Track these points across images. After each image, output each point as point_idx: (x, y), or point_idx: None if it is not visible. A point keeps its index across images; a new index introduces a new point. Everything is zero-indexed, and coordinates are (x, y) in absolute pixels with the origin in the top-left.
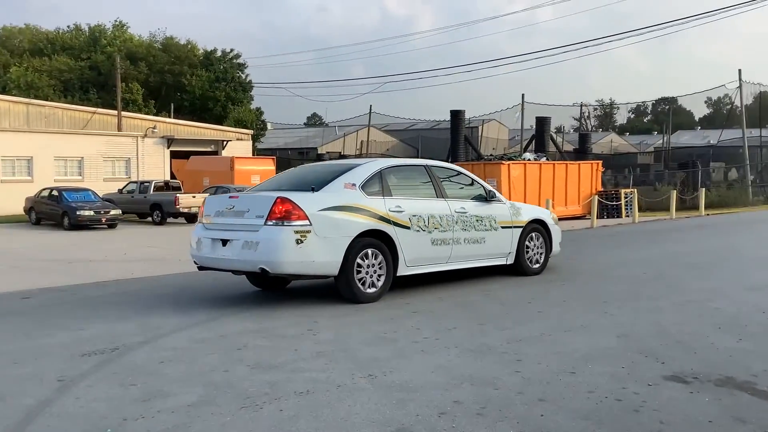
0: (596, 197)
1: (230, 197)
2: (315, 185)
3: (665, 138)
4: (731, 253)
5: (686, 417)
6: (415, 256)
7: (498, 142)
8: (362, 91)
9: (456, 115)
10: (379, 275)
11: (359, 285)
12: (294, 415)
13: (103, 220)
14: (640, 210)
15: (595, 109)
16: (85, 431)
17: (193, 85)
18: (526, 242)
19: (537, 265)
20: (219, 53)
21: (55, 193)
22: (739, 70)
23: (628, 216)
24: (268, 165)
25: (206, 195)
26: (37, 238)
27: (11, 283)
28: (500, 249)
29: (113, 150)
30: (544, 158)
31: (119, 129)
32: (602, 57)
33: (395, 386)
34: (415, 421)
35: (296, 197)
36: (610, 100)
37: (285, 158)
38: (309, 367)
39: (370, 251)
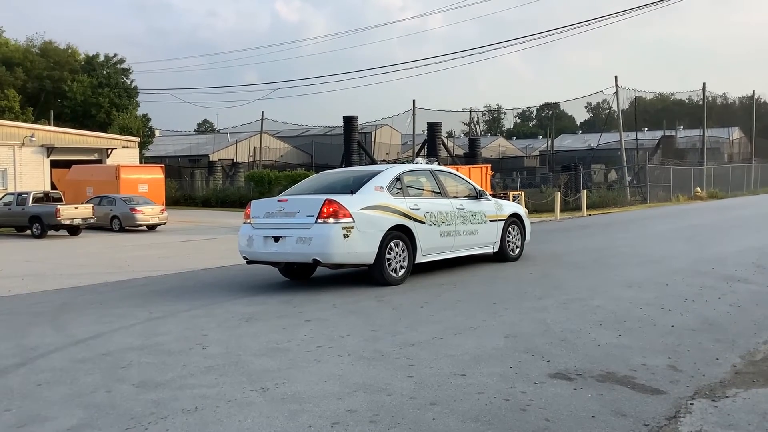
0: None
1: (279, 200)
2: (352, 188)
3: (549, 142)
4: (612, 252)
5: (570, 413)
6: (429, 246)
7: (391, 147)
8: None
9: (349, 121)
10: (403, 263)
11: (389, 271)
12: None
13: None
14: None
15: (484, 115)
16: None
17: (75, 91)
18: (508, 233)
19: (515, 253)
20: (102, 58)
21: None
22: (616, 77)
23: None
24: (157, 173)
25: (90, 205)
26: None
27: None
28: (489, 239)
29: None
30: (436, 162)
31: None
32: (490, 63)
33: (288, 398)
34: None
35: (341, 199)
36: (498, 105)
37: (175, 166)
38: (198, 382)
39: (397, 242)
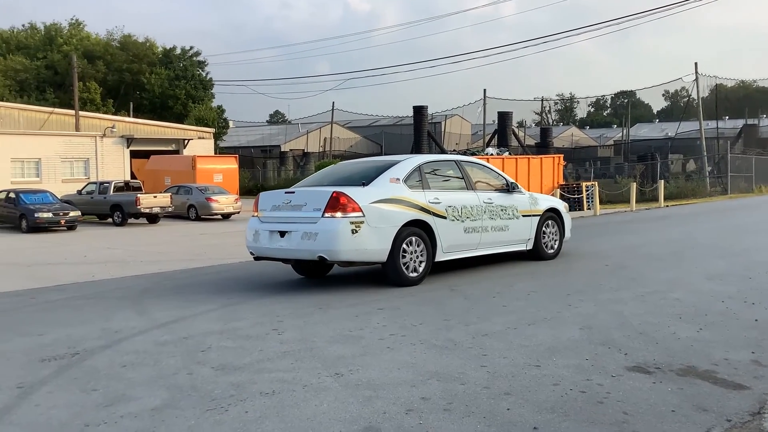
0: (558, 190)
1: (286, 192)
2: (365, 180)
3: (624, 131)
4: (691, 244)
5: (650, 407)
6: (451, 243)
7: (461, 137)
8: (325, 88)
9: (419, 111)
10: (421, 261)
11: (404, 270)
12: (260, 416)
13: (62, 222)
14: (601, 202)
15: (556, 104)
16: None
17: (152, 84)
18: (543, 229)
19: (552, 251)
20: (178, 51)
21: (12, 195)
22: (696, 63)
23: (589, 209)
24: (231, 164)
25: (168, 194)
26: None
27: None
28: (521, 236)
29: (71, 150)
30: (507, 152)
31: (77, 129)
32: (563, 51)
33: (362, 384)
34: (383, 419)
35: (350, 191)
36: (571, 94)
37: (248, 156)
38: (274, 367)
39: (413, 239)
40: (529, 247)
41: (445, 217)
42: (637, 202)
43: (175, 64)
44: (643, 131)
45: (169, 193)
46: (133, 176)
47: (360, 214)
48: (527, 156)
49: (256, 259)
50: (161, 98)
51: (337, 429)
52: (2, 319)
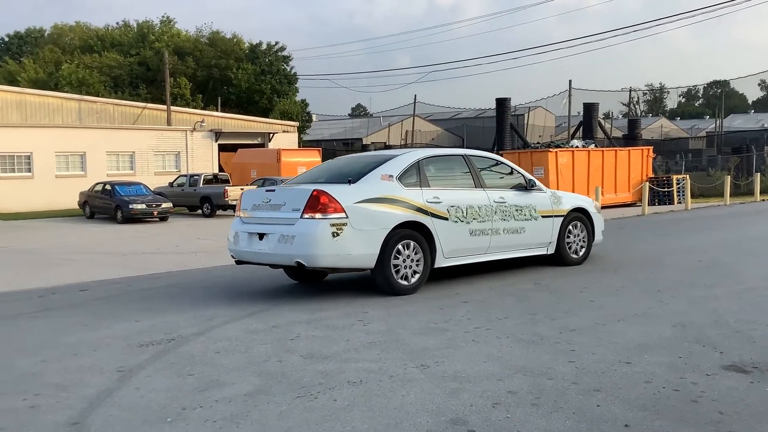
0: (647, 184)
1: (267, 190)
2: (352, 177)
3: (717, 122)
4: None
5: (747, 407)
6: (454, 248)
7: (544, 130)
8: (407, 81)
9: (501, 103)
10: (417, 267)
11: (396, 277)
12: (348, 404)
13: (155, 213)
14: (692, 196)
15: (645, 94)
16: (145, 420)
17: (239, 79)
18: (567, 231)
19: (578, 255)
20: (264, 46)
21: (108, 187)
22: None
23: (680, 203)
24: (314, 156)
25: (254, 187)
26: (92, 231)
27: (69, 276)
28: (540, 238)
29: (163, 144)
30: (593, 145)
31: (168, 123)
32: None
33: (448, 376)
34: (470, 411)
35: (332, 189)
36: (660, 84)
37: (330, 149)
38: (361, 357)
39: (407, 243)
40: (551, 251)
41: (446, 218)
42: (731, 196)
43: (261, 59)
44: (737, 122)
45: (255, 185)
46: (221, 169)
47: (342, 215)
48: (614, 148)
49: (237, 263)
50: (247, 93)
51: (424, 420)
52: (101, 305)
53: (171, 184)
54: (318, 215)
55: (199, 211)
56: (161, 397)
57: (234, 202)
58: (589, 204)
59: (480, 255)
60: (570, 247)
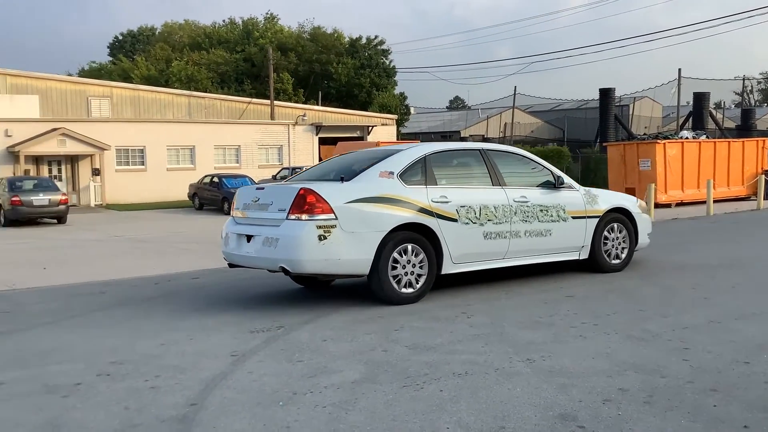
0: (762, 177)
1: (257, 188)
2: (347, 174)
3: None
4: None
5: None
6: (464, 252)
7: (651, 121)
8: (506, 73)
9: (605, 94)
10: (420, 273)
11: (394, 284)
12: (454, 395)
13: None
14: None
15: (759, 83)
16: (259, 403)
17: (339, 73)
18: (605, 234)
19: (617, 260)
20: (364, 40)
21: (215, 179)
22: None
23: None
24: None
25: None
26: (201, 222)
27: (182, 265)
28: (570, 242)
29: (267, 138)
30: (704, 136)
31: (272, 118)
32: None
33: (555, 371)
34: (579, 407)
35: (321, 188)
36: None
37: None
38: (465, 349)
39: (408, 247)
40: (584, 255)
41: (455, 220)
42: None
43: (360, 53)
44: None
45: None
46: (321, 161)
47: (331, 216)
48: (727, 140)
49: (230, 266)
50: (347, 87)
51: (531, 414)
52: (213, 293)
53: (274, 177)
54: (304, 216)
55: None
56: (273, 382)
57: None
58: (631, 203)
59: (497, 260)
60: (607, 252)
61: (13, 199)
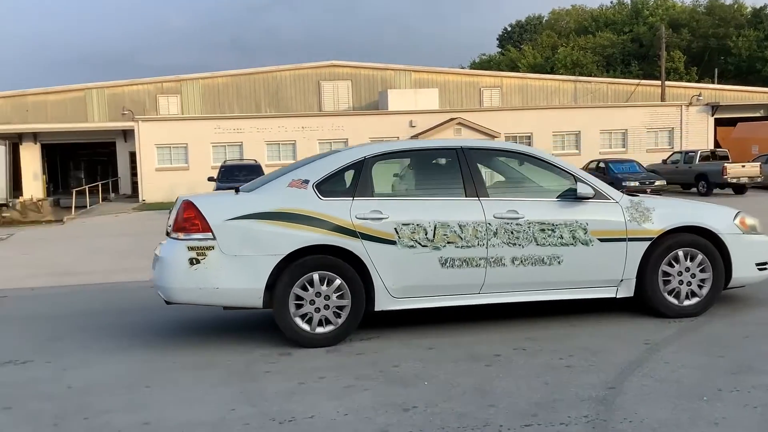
0: None
1: (179, 198)
2: (260, 182)
3: None
4: None
5: None
6: (409, 284)
7: None
8: None
9: None
10: (339, 308)
11: (299, 322)
12: None
13: (648, 190)
14: None
15: None
16: (680, 395)
17: (739, 47)
18: (664, 265)
19: (689, 302)
20: None
21: (602, 165)
22: None
23: None
24: None
25: (757, 164)
26: None
27: None
28: (597, 273)
29: (655, 121)
30: None
31: (662, 99)
32: None
33: None
34: None
35: (204, 201)
36: None
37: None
38: None
39: (314, 276)
40: (624, 293)
41: (392, 242)
42: None
43: (765, 23)
44: None
45: (758, 163)
46: (717, 145)
47: (208, 235)
48: None
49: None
50: (748, 62)
51: None
52: None
53: (664, 161)
54: (181, 234)
55: (693, 189)
56: (692, 375)
57: (733, 180)
58: (720, 220)
59: (469, 295)
60: (674, 290)
61: None
